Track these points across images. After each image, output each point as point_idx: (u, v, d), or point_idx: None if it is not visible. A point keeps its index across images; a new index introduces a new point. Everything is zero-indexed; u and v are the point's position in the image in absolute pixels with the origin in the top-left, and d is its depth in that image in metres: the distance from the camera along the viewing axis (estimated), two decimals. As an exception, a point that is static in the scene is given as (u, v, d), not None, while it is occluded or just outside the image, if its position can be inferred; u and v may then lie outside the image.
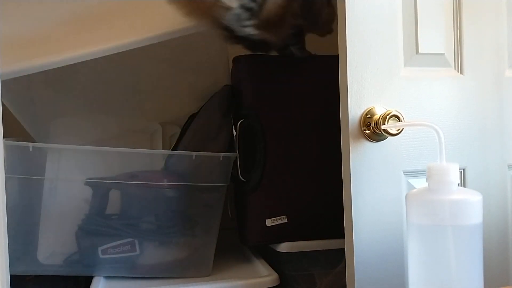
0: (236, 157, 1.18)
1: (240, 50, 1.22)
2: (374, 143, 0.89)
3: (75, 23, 1.12)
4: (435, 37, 0.94)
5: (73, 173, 1.14)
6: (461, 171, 0.96)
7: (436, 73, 0.95)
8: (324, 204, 1.18)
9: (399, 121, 0.86)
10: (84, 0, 1.14)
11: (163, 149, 1.40)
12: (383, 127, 0.85)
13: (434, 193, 0.70)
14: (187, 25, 1.06)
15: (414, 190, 0.76)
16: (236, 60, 1.25)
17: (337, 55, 0.90)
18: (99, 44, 1.03)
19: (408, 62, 0.93)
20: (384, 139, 0.89)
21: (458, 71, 0.97)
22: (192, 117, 1.34)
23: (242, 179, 1.19)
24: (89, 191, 1.13)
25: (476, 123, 0.97)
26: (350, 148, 0.88)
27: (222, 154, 1.13)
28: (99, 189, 1.12)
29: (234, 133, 1.16)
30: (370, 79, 0.89)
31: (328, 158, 1.12)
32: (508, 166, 0.99)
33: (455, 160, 0.95)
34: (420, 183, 0.92)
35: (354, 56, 0.88)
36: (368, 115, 0.88)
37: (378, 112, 0.88)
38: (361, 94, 0.89)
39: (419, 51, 0.93)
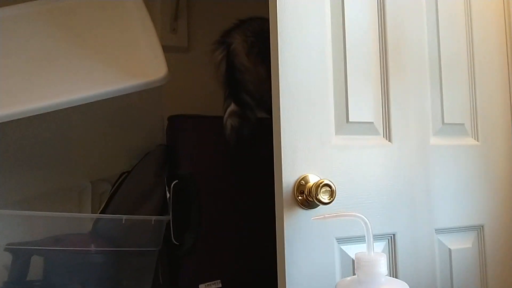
0: (169, 220, 1.14)
1: (175, 109, 1.21)
2: (307, 211, 0.90)
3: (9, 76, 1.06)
4: (364, 106, 0.98)
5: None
6: (391, 237, 0.98)
7: (366, 141, 0.98)
8: (259, 269, 1.16)
9: (331, 189, 0.87)
10: (20, 54, 1.09)
11: (92, 208, 1.35)
12: (317, 196, 0.85)
13: (363, 284, 0.70)
14: (124, 84, 1.04)
15: (344, 280, 0.76)
16: (171, 119, 1.24)
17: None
18: (33, 102, 0.99)
19: (339, 130, 0.95)
20: (317, 206, 0.90)
21: (386, 139, 1.00)
22: (123, 175, 1.30)
23: (175, 242, 1.16)
24: (8, 256, 1.06)
25: (405, 190, 1.00)
26: (284, 216, 0.88)
27: (154, 217, 1.10)
28: (20, 255, 1.05)
29: (168, 195, 1.13)
30: (303, 147, 0.91)
31: (263, 222, 1.11)
32: (435, 230, 1.02)
33: (385, 226, 0.98)
34: (352, 250, 0.93)
35: (287, 124, 0.90)
36: (302, 182, 0.89)
37: (311, 180, 0.89)
38: (294, 162, 0.90)
39: (350, 120, 0.96)
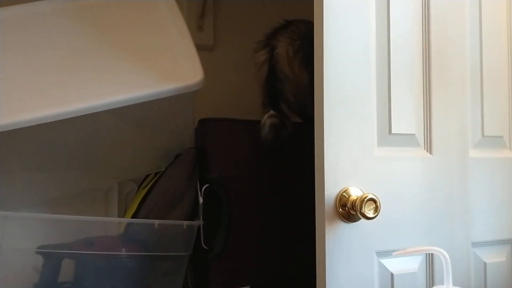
0: (200, 224, 1.13)
1: (199, 109, 1.20)
2: (349, 224, 0.88)
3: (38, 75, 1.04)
4: (407, 118, 0.97)
5: (20, 241, 1.05)
6: (429, 250, 0.97)
7: (407, 153, 0.97)
8: (288, 275, 1.16)
9: (376, 204, 0.85)
10: (50, 52, 1.07)
11: (119, 207, 1.34)
12: (361, 211, 0.84)
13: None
14: (160, 88, 1.02)
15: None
16: (203, 122, 1.23)
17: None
18: (66, 104, 0.97)
19: (382, 142, 0.94)
20: (358, 220, 0.89)
21: (427, 151, 0.99)
22: (148, 176, 1.29)
23: (205, 247, 1.15)
24: (39, 259, 1.05)
25: (443, 203, 0.99)
26: (326, 228, 0.87)
27: (186, 222, 1.09)
28: (52, 258, 1.04)
29: (200, 200, 1.12)
30: (345, 158, 0.89)
31: (294, 228, 1.10)
32: (471, 243, 1.02)
33: (423, 239, 0.97)
34: (391, 263, 0.92)
35: (330, 134, 0.88)
36: (344, 195, 0.88)
37: (353, 193, 0.88)
38: (336, 174, 0.88)
39: (392, 132, 0.95)
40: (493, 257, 1.05)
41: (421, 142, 0.98)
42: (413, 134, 0.97)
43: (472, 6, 1.05)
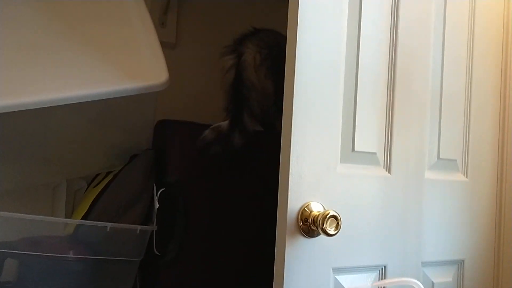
0: (154, 229, 1.10)
1: (164, 113, 1.17)
2: (309, 239, 0.88)
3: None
4: (369, 136, 0.98)
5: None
6: (382, 268, 0.99)
7: (368, 171, 0.98)
8: (243, 286, 1.15)
9: (337, 221, 0.86)
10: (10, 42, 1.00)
11: (66, 205, 1.28)
12: (323, 227, 0.84)
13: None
14: (122, 86, 0.99)
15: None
16: (162, 124, 1.19)
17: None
18: (22, 96, 0.92)
19: (344, 158, 0.94)
20: (318, 235, 0.89)
21: (386, 170, 1.00)
22: (100, 176, 1.25)
23: (157, 253, 1.11)
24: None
25: (398, 222, 1.01)
26: (286, 242, 0.86)
27: (139, 227, 1.05)
28: (-7, 257, 0.97)
29: (156, 205, 1.08)
30: (309, 173, 0.89)
31: (251, 238, 1.09)
32: (422, 263, 1.04)
33: (378, 257, 0.99)
34: (347, 281, 0.93)
35: (296, 150, 0.88)
36: (306, 210, 0.88)
37: (314, 208, 0.88)
38: (300, 188, 0.88)
39: (355, 149, 0.96)
40: (441, 277, 1.08)
41: (381, 161, 1.00)
42: (375, 153, 0.99)
43: (436, 29, 1.08)
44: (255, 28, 1.21)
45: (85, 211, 1.13)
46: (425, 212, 1.05)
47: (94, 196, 1.18)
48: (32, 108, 0.93)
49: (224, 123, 1.13)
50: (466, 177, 1.13)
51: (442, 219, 1.08)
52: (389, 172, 1.01)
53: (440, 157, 1.08)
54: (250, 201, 1.09)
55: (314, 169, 0.90)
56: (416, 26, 1.04)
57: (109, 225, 1.02)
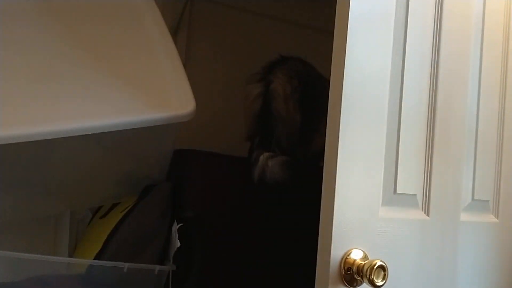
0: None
1: (187, 144, 1.10)
2: (352, 289, 0.83)
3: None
4: (411, 177, 0.93)
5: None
6: (419, 317, 0.93)
7: (408, 215, 0.93)
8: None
9: (384, 272, 0.80)
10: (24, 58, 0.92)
11: (70, 236, 1.18)
12: (370, 278, 0.79)
13: None
14: (149, 116, 0.91)
15: None
16: (180, 153, 1.12)
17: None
18: (41, 124, 0.84)
19: (386, 201, 0.89)
20: (361, 284, 0.83)
21: (425, 213, 0.96)
22: (106, 206, 1.16)
23: (173, 293, 1.04)
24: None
25: (435, 267, 0.96)
26: (328, 292, 0.81)
27: (158, 267, 0.98)
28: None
29: (177, 243, 1.00)
30: (352, 218, 0.84)
31: (281, 285, 1.02)
32: (458, 312, 1.00)
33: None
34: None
35: (340, 193, 0.82)
36: (349, 258, 0.82)
37: (356, 255, 0.83)
38: (343, 234, 0.82)
39: (397, 191, 0.91)
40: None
41: (420, 203, 0.95)
42: (415, 195, 0.94)
43: (473, 68, 1.05)
44: (282, 56, 1.15)
45: (94, 246, 1.04)
46: (459, 257, 1.00)
47: (102, 228, 1.10)
48: (53, 137, 0.85)
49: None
50: (497, 218, 1.10)
51: (477, 262, 1.04)
52: (428, 214, 0.96)
53: (475, 198, 1.05)
54: (279, 242, 1.02)
55: (358, 213, 0.84)
56: (456, 67, 1.01)
57: (126, 265, 0.93)
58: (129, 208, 1.07)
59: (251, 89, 1.10)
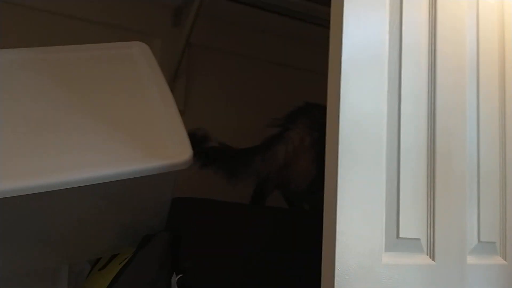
0: (171, 324, 0.99)
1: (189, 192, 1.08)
2: None
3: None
4: (414, 220, 0.91)
5: None
6: None
7: (412, 259, 0.90)
8: None
9: (391, 322, 0.77)
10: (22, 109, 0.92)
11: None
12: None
13: None
14: (145, 165, 0.90)
15: None
16: (177, 201, 1.10)
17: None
18: (38, 176, 0.82)
19: (389, 247, 0.87)
20: (366, 336, 0.80)
21: (430, 257, 0.93)
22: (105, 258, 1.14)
23: None
24: None
25: (443, 315, 0.93)
26: None
27: (157, 323, 0.94)
28: None
29: (175, 296, 0.98)
30: (355, 265, 0.81)
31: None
32: None
33: None
34: None
35: (341, 240, 0.80)
36: (353, 309, 0.79)
37: (361, 306, 0.80)
38: (345, 284, 0.80)
39: (400, 236, 0.88)
40: None
41: (425, 247, 0.93)
42: (419, 239, 0.91)
43: (471, 105, 1.04)
44: (307, 103, 1.11)
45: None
46: (468, 302, 0.97)
47: (101, 281, 1.07)
48: (50, 190, 0.84)
49: None
50: (505, 260, 1.07)
51: (485, 309, 1.00)
52: (433, 259, 0.93)
53: (481, 240, 1.02)
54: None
55: (361, 261, 0.82)
56: (452, 106, 1.00)
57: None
58: (127, 259, 1.05)
59: (268, 131, 1.08)
